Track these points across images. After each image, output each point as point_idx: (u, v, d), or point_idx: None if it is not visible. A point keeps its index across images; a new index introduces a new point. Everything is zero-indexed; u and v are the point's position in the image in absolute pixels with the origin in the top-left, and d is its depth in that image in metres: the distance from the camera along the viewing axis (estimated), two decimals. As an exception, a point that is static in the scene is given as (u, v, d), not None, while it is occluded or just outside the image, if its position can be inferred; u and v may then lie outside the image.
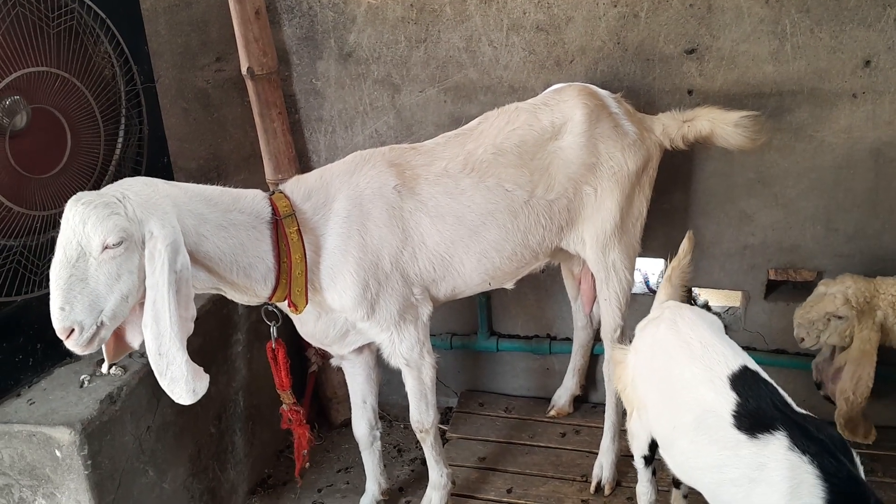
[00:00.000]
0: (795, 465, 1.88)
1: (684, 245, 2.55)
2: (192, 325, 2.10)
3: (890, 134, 2.91)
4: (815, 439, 1.91)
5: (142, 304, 2.05)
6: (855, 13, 2.77)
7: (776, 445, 1.94)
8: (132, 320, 2.16)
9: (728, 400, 2.07)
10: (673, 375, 2.23)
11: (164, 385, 2.04)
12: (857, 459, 1.94)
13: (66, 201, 2.03)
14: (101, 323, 1.98)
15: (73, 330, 1.95)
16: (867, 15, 2.77)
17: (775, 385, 2.13)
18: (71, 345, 1.98)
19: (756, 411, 2.02)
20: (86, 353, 2.01)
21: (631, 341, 2.52)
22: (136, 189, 2.05)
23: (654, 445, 2.48)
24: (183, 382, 2.03)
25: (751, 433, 1.99)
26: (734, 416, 2.04)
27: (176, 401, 2.06)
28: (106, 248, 1.94)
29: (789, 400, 2.09)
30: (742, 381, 2.11)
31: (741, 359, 2.19)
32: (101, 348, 2.10)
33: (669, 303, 2.47)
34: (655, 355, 2.33)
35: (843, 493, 1.83)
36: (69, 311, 1.93)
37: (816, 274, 3.26)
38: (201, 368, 2.08)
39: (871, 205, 3.03)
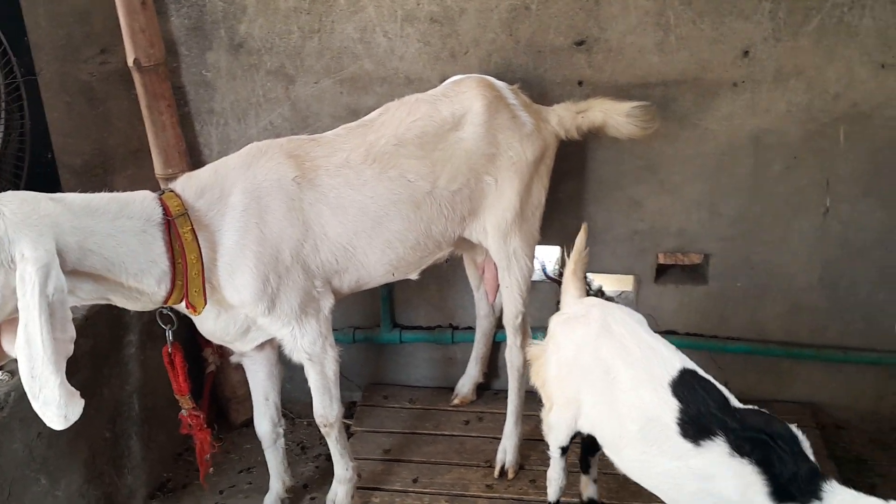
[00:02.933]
0: (739, 471, 1.90)
1: (581, 237, 2.56)
2: (72, 347, 2.02)
3: (768, 121, 3.06)
4: (753, 439, 1.91)
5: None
6: (734, 5, 2.90)
7: (718, 452, 1.94)
8: (9, 328, 2.07)
9: (671, 406, 2.05)
10: (610, 379, 2.20)
11: (36, 408, 1.95)
12: (806, 444, 1.94)
13: None
14: None
15: None
16: (744, 7, 2.90)
17: (713, 381, 2.12)
18: None
19: (697, 416, 2.00)
20: None
21: (543, 332, 2.51)
22: (13, 207, 1.95)
23: (574, 437, 2.49)
24: (55, 407, 1.94)
25: (695, 441, 1.98)
26: (678, 423, 2.02)
27: (47, 424, 1.97)
28: None
29: (728, 395, 2.08)
30: (682, 384, 2.08)
31: (678, 359, 2.17)
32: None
33: (592, 300, 2.46)
34: (584, 355, 2.29)
35: (790, 486, 1.84)
36: None
37: (703, 257, 3.41)
38: (77, 393, 1.99)
39: (751, 189, 3.18)
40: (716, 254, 3.30)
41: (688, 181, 3.19)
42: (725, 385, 2.14)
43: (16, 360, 2.36)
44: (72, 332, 2.01)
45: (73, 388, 1.98)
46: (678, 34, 2.97)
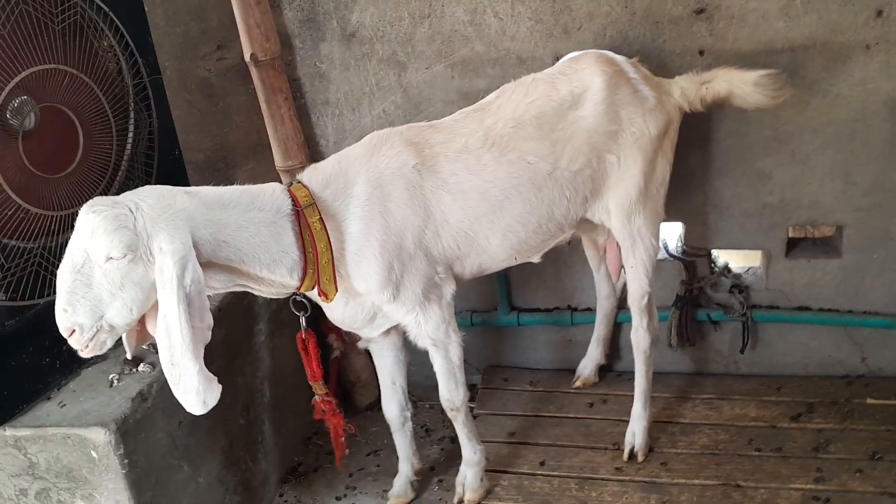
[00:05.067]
0: None
1: None
2: (210, 334, 2.11)
3: (905, 84, 2.88)
4: None
5: None
6: (866, -38, 2.74)
7: None
8: (152, 311, 2.16)
9: None
10: None
11: (176, 394, 2.06)
12: None
13: (81, 200, 2.08)
14: (102, 327, 2.02)
15: (74, 330, 2.00)
16: (878, -37, 2.73)
17: None
18: (73, 344, 2.04)
19: None
20: (86, 354, 2.06)
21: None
22: (151, 202, 2.04)
23: None
24: (194, 393, 2.04)
25: None
26: None
27: (187, 410, 2.08)
28: (110, 258, 1.96)
29: None
30: None
31: None
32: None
33: None
34: None
35: None
36: (71, 313, 1.98)
37: (835, 229, 3.25)
38: (215, 378, 2.08)
39: (888, 156, 3.00)
40: (850, 225, 3.14)
41: (819, 150, 3.03)
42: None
43: (155, 350, 2.49)
44: (209, 321, 2.09)
45: (210, 375, 2.07)
46: (805, -4, 2.82)
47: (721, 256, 3.40)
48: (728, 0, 2.87)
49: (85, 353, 2.05)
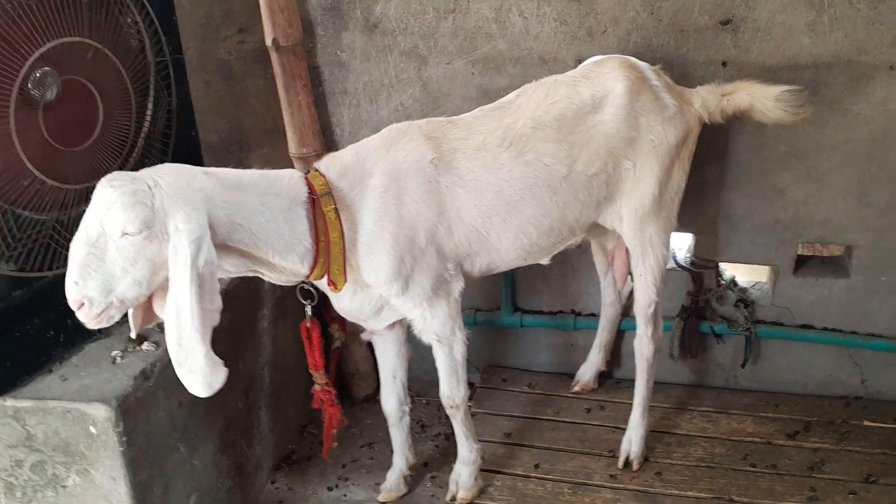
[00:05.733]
0: None
1: None
2: (218, 317, 2.09)
3: (926, 107, 2.88)
4: None
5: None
6: (895, -17, 2.73)
7: None
8: (160, 291, 2.15)
9: None
10: None
11: (181, 375, 2.04)
12: None
13: (97, 175, 2.03)
14: (111, 302, 2.00)
15: (83, 303, 1.98)
16: (907, -15, 2.73)
17: None
18: (81, 317, 2.02)
19: None
20: (94, 326, 2.05)
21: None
22: (170, 180, 2.03)
23: None
24: (200, 375, 2.03)
25: None
26: None
27: (191, 392, 2.06)
28: (125, 234, 1.95)
29: None
30: None
31: None
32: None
33: None
34: None
35: None
36: (82, 286, 1.96)
37: (844, 249, 3.25)
38: (221, 362, 2.06)
39: (905, 178, 3.00)
40: (862, 246, 3.14)
41: (836, 169, 3.03)
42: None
43: (160, 329, 2.48)
44: (219, 304, 2.08)
45: (217, 358, 2.06)
46: (832, 14, 2.81)
47: (728, 270, 3.40)
48: (755, 13, 2.86)
49: (91, 325, 2.04)
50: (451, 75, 3.19)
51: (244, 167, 2.30)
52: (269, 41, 3.03)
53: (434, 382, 2.78)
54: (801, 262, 3.31)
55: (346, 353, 3.56)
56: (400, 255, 2.42)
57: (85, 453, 2.32)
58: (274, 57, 3.07)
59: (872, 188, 3.03)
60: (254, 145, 3.38)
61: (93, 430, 2.28)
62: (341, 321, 3.22)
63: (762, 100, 2.66)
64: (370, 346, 3.04)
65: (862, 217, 3.09)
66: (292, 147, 3.21)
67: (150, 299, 2.20)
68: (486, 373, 3.73)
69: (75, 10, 2.28)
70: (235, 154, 3.35)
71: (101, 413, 2.26)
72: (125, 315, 2.14)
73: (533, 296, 3.59)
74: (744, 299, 3.34)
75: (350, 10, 3.15)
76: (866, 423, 3.23)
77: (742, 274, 3.45)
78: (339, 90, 3.30)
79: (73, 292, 1.98)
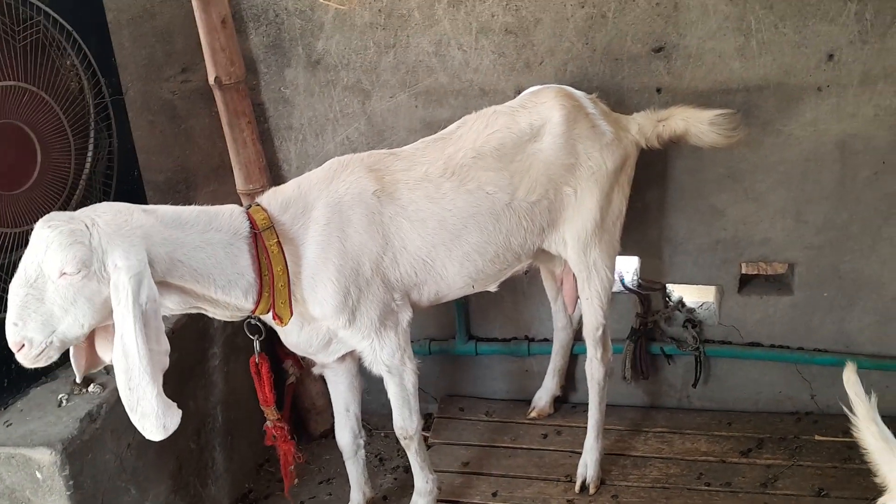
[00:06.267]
0: None
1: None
2: (167, 360, 2.08)
3: (854, 126, 2.97)
4: None
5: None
6: (817, 8, 2.82)
7: None
8: (103, 335, 2.15)
9: None
10: None
11: (134, 420, 2.02)
12: None
13: (37, 217, 2.02)
14: (51, 342, 1.99)
15: (23, 345, 1.97)
16: (829, 9, 2.82)
17: None
18: (20, 358, 2.01)
19: None
20: (32, 366, 2.03)
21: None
22: (108, 218, 2.03)
23: None
24: (153, 418, 2.01)
25: None
26: None
27: (146, 436, 2.04)
28: (63, 274, 1.94)
29: None
30: None
31: None
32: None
33: None
34: None
35: None
36: (21, 328, 1.96)
37: (787, 266, 3.32)
38: (174, 404, 2.05)
39: (838, 196, 3.08)
40: (801, 263, 3.21)
41: (772, 189, 3.11)
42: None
43: (107, 371, 2.46)
44: (166, 345, 2.07)
45: (169, 400, 2.04)
46: (759, 39, 2.90)
47: (676, 291, 3.45)
48: (686, 39, 2.95)
49: (29, 365, 2.02)
50: (395, 108, 3.22)
51: (191, 205, 2.31)
52: (211, 79, 3.05)
53: (391, 415, 2.77)
54: (746, 281, 3.38)
55: (301, 388, 3.54)
56: (345, 287, 2.43)
57: (31, 499, 2.28)
58: (217, 95, 3.09)
59: (808, 207, 3.12)
60: (200, 183, 3.38)
61: (38, 475, 2.25)
62: (295, 357, 3.21)
63: (696, 124, 2.73)
64: (325, 380, 3.03)
65: (800, 235, 3.16)
66: (239, 184, 3.22)
67: (93, 344, 2.19)
68: (443, 402, 3.73)
69: (9, 54, 2.28)
70: (182, 192, 3.34)
71: (46, 457, 2.23)
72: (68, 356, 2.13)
73: (486, 323, 3.61)
74: (691, 319, 3.39)
75: (292, 47, 3.18)
76: (817, 437, 3.28)
77: (690, 294, 3.51)
78: (285, 126, 3.33)
79: (13, 334, 1.97)
